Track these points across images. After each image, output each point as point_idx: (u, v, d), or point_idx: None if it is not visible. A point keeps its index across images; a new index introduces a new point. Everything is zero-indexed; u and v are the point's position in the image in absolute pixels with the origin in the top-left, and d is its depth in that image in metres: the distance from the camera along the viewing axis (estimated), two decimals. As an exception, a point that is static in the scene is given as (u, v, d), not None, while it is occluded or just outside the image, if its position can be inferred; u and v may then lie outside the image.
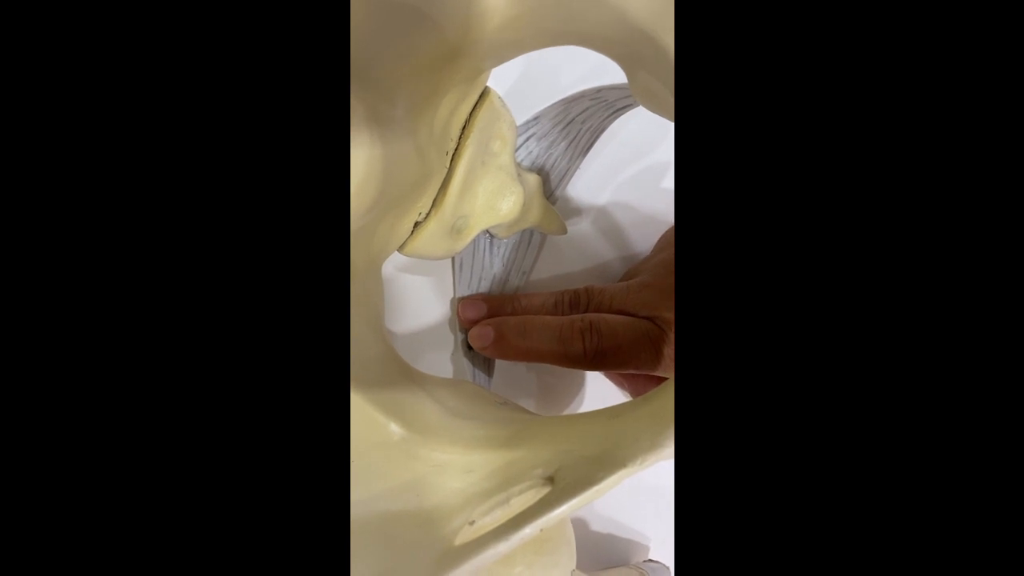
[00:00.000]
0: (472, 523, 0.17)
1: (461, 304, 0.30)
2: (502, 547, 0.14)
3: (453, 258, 0.30)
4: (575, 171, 0.32)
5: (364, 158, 0.20)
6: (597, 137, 0.31)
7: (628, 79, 0.21)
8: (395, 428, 0.20)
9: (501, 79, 0.28)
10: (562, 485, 0.16)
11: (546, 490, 0.17)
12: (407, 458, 0.19)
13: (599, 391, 0.34)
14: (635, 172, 0.34)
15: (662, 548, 0.36)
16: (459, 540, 0.16)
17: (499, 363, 0.31)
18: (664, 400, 0.17)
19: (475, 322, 0.29)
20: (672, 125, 0.28)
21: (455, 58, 0.19)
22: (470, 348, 0.30)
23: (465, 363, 0.30)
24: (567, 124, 0.31)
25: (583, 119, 0.31)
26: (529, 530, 0.15)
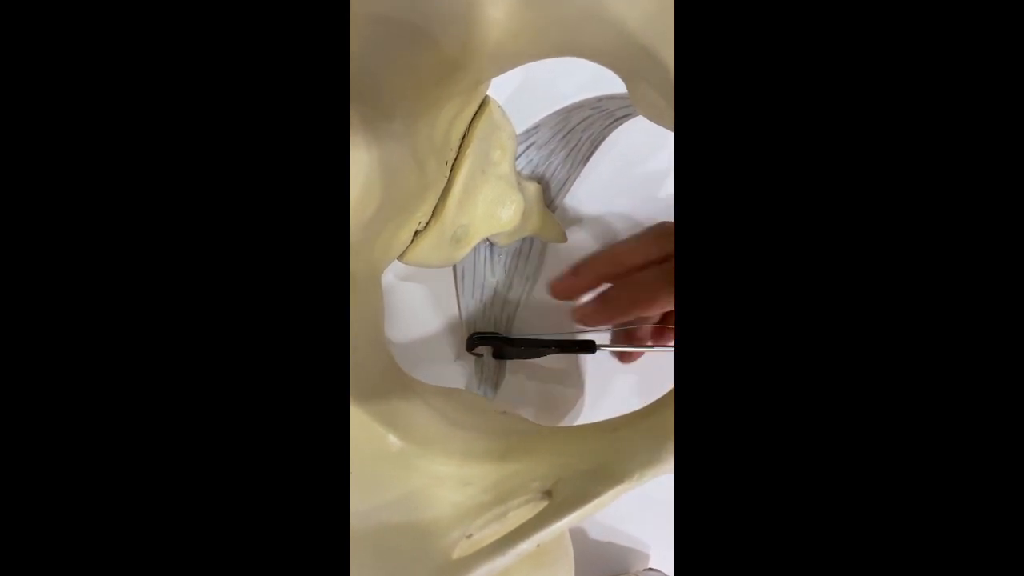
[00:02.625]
0: (469, 536, 0.17)
1: (555, 287, 0.32)
2: (499, 562, 0.14)
3: (455, 266, 0.30)
4: (575, 179, 0.32)
5: (363, 171, 0.20)
6: (597, 146, 0.31)
7: (628, 90, 0.21)
8: (393, 439, 0.20)
9: (501, 88, 0.28)
10: (559, 499, 0.16)
11: (543, 504, 0.17)
12: (405, 469, 0.19)
13: (600, 400, 0.34)
14: (634, 180, 0.34)
15: (663, 556, 0.36)
16: (456, 554, 0.16)
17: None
18: (662, 415, 0.17)
19: (577, 289, 0.32)
20: (671, 134, 0.28)
21: (454, 72, 0.19)
22: (471, 350, 0.30)
23: (473, 379, 0.31)
24: (567, 133, 0.31)
25: (583, 128, 0.31)
26: (526, 545, 0.15)
